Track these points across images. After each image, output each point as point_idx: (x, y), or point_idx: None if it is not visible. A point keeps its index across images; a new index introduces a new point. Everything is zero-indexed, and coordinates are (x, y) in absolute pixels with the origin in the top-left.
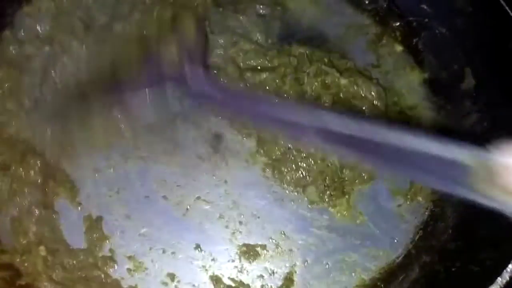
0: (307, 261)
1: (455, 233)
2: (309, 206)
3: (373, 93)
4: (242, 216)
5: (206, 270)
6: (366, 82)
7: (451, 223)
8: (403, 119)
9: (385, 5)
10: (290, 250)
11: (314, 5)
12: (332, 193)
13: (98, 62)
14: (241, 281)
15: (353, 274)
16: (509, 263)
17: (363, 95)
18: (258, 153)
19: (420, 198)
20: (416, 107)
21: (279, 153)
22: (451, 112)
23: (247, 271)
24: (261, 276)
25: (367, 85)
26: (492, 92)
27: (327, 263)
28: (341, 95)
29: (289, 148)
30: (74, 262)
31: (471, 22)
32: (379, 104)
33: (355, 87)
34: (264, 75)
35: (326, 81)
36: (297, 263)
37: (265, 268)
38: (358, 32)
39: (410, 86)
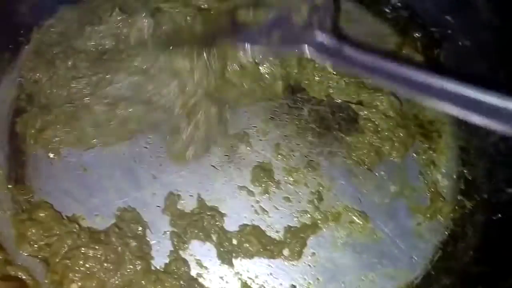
0: (318, 279)
1: (477, 256)
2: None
3: (384, 104)
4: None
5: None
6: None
7: (473, 244)
8: (422, 133)
9: (406, 15)
10: (307, 266)
11: None
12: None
13: None
14: None
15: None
16: None
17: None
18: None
19: (440, 217)
20: (437, 121)
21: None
22: (473, 128)
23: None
24: None
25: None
26: None
27: (343, 282)
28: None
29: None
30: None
31: (497, 35)
32: (393, 115)
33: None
34: None
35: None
36: (311, 281)
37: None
38: (378, 41)
39: None
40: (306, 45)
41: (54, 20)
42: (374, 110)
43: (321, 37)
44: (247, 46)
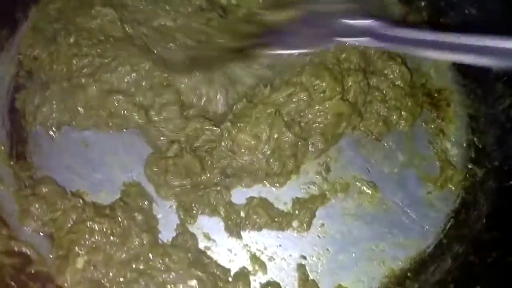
0: (328, 249)
1: (489, 223)
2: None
3: (396, 73)
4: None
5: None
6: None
7: (485, 211)
8: (430, 102)
9: None
10: (316, 237)
11: None
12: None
13: None
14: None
15: (381, 264)
16: None
17: (386, 72)
18: None
19: (450, 185)
20: (445, 89)
21: None
22: (482, 96)
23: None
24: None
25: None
26: None
27: (353, 252)
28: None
29: None
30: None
31: (505, 3)
32: (401, 84)
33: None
34: None
35: None
36: (321, 252)
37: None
38: (382, 12)
39: (438, 68)
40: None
41: None
42: (383, 78)
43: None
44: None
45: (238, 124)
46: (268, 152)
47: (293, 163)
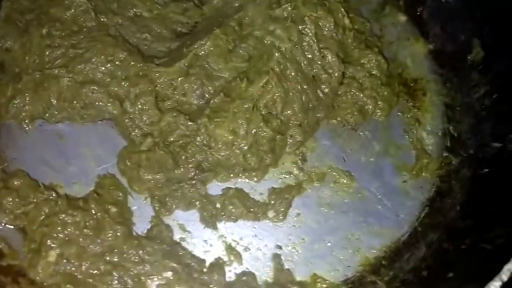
0: (304, 239)
1: (463, 211)
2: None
3: (372, 62)
4: None
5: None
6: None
7: (459, 199)
8: (407, 92)
9: None
10: (291, 227)
11: None
12: None
13: None
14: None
15: (356, 252)
16: None
17: (362, 62)
18: None
19: (426, 174)
20: (422, 79)
21: None
22: (458, 85)
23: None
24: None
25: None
26: (502, 64)
27: (329, 242)
28: None
29: None
30: None
31: None
32: (378, 74)
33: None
34: None
35: None
36: (296, 242)
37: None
38: (359, 1)
39: (415, 57)
40: None
41: None
42: (359, 68)
43: None
44: None
45: (216, 120)
46: (246, 148)
47: (271, 158)
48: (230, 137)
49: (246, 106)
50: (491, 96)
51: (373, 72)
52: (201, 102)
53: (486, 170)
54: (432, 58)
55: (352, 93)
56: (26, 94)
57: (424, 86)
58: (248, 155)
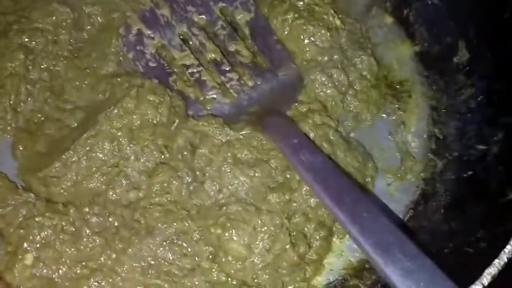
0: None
1: (447, 214)
2: None
3: (364, 64)
4: None
5: None
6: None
7: (444, 202)
8: (392, 94)
9: None
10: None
11: None
12: None
13: None
14: None
15: (340, 256)
16: (506, 244)
17: (354, 62)
18: None
19: (410, 176)
20: (407, 81)
21: None
22: (444, 87)
23: None
24: None
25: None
26: (487, 65)
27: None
28: None
29: None
30: None
31: None
32: (368, 76)
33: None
34: None
35: None
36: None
37: None
38: (346, 2)
39: (401, 59)
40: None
41: None
42: (352, 69)
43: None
44: None
45: (231, 231)
46: (260, 266)
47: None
48: (244, 252)
49: (275, 221)
50: (476, 98)
51: (364, 74)
52: (209, 202)
53: (471, 172)
54: (418, 60)
55: (347, 100)
56: (0, 107)
57: (409, 88)
58: (260, 273)
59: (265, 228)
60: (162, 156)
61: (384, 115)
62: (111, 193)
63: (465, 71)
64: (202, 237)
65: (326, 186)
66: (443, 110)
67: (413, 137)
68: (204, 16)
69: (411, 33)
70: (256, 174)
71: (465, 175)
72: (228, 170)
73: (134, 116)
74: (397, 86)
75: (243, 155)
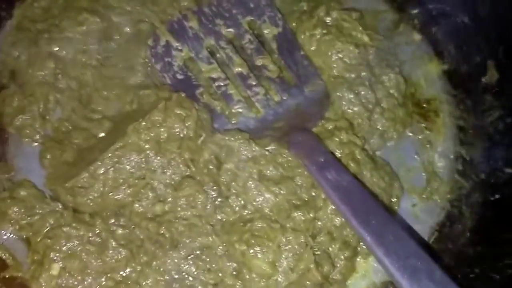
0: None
1: (473, 237)
2: None
3: (392, 81)
4: None
5: None
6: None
7: (469, 225)
8: (419, 112)
9: None
10: None
11: None
12: None
13: None
14: None
15: (364, 276)
16: None
17: (382, 79)
18: None
19: (436, 198)
20: (435, 99)
21: None
22: (472, 107)
23: None
24: None
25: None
26: None
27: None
28: None
29: None
30: None
31: (496, 11)
32: (396, 94)
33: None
34: None
35: None
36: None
37: None
38: (373, 18)
39: (428, 77)
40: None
41: None
42: (380, 86)
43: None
44: None
45: (256, 248)
46: (284, 284)
47: None
48: (268, 270)
49: (300, 240)
50: (505, 120)
51: (391, 91)
52: (234, 218)
53: (498, 196)
54: (446, 79)
55: (374, 118)
56: (30, 114)
57: (437, 107)
58: None
59: (290, 246)
60: (188, 170)
61: (410, 133)
62: (137, 205)
63: (494, 92)
64: (226, 253)
65: (352, 207)
66: (470, 131)
67: (439, 157)
68: (231, 30)
69: (439, 51)
70: (281, 191)
71: (492, 198)
72: (253, 186)
73: (162, 129)
74: (424, 105)
75: (268, 172)
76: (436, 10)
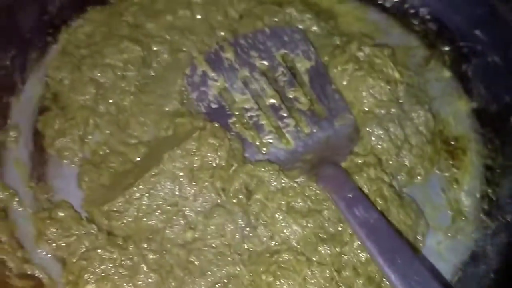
0: None
1: (498, 279)
2: None
3: (421, 118)
4: None
5: None
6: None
7: (495, 266)
8: (447, 150)
9: (435, 28)
10: None
11: (361, 22)
12: None
13: None
14: None
15: None
16: None
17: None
18: None
19: (461, 236)
20: (463, 138)
21: None
22: (500, 146)
23: None
24: None
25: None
26: None
27: None
28: None
29: None
30: None
31: None
32: (424, 131)
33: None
34: None
35: None
36: None
37: None
38: (404, 54)
39: (457, 115)
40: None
41: (82, 20)
42: (409, 123)
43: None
44: None
45: (282, 280)
46: None
47: None
48: None
49: (325, 274)
50: None
51: (420, 128)
52: (261, 248)
53: None
54: (475, 117)
55: (403, 154)
56: (70, 137)
57: (465, 145)
58: None
59: (315, 280)
60: (219, 199)
61: (437, 171)
62: (168, 231)
63: None
64: (252, 282)
65: (379, 244)
66: (497, 170)
67: (465, 196)
68: (265, 62)
69: (469, 89)
70: (309, 224)
71: None
72: (281, 218)
73: (195, 158)
74: (452, 142)
75: (296, 204)
76: (467, 48)
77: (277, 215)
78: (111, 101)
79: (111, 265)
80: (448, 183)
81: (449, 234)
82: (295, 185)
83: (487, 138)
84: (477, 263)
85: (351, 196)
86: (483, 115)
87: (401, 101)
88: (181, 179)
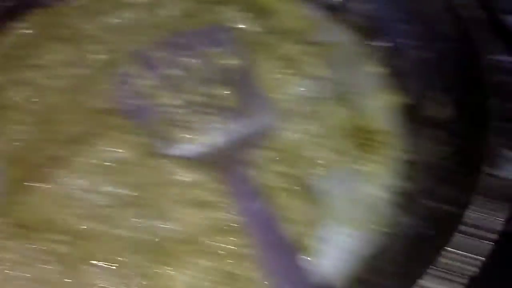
0: None
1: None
2: None
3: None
4: None
5: None
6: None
7: (400, 259)
8: (368, 145)
9: (368, 24)
10: None
11: (298, 20)
12: None
13: None
14: None
15: None
16: None
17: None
18: None
19: (373, 229)
20: (385, 133)
21: None
22: (423, 143)
23: None
24: None
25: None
26: (470, 125)
27: None
28: None
29: None
30: None
31: (455, 48)
32: (345, 125)
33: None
34: None
35: None
36: None
37: None
38: (337, 50)
39: (382, 110)
40: None
41: (21, 23)
42: (328, 117)
43: None
44: None
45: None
46: None
47: None
48: None
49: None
50: (454, 157)
51: (340, 123)
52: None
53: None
54: (401, 113)
55: (319, 150)
56: None
57: (386, 139)
58: None
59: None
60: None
61: (354, 165)
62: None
63: (450, 129)
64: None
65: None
66: (416, 165)
67: (381, 190)
68: (193, 60)
69: (396, 84)
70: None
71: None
72: (182, 209)
73: (107, 154)
74: (373, 137)
75: (201, 197)
76: (397, 43)
77: (179, 207)
78: (39, 100)
79: None
80: (365, 177)
81: (362, 228)
82: (205, 179)
83: (411, 133)
84: (385, 256)
85: (250, 190)
86: (410, 111)
87: (325, 98)
88: (92, 175)
